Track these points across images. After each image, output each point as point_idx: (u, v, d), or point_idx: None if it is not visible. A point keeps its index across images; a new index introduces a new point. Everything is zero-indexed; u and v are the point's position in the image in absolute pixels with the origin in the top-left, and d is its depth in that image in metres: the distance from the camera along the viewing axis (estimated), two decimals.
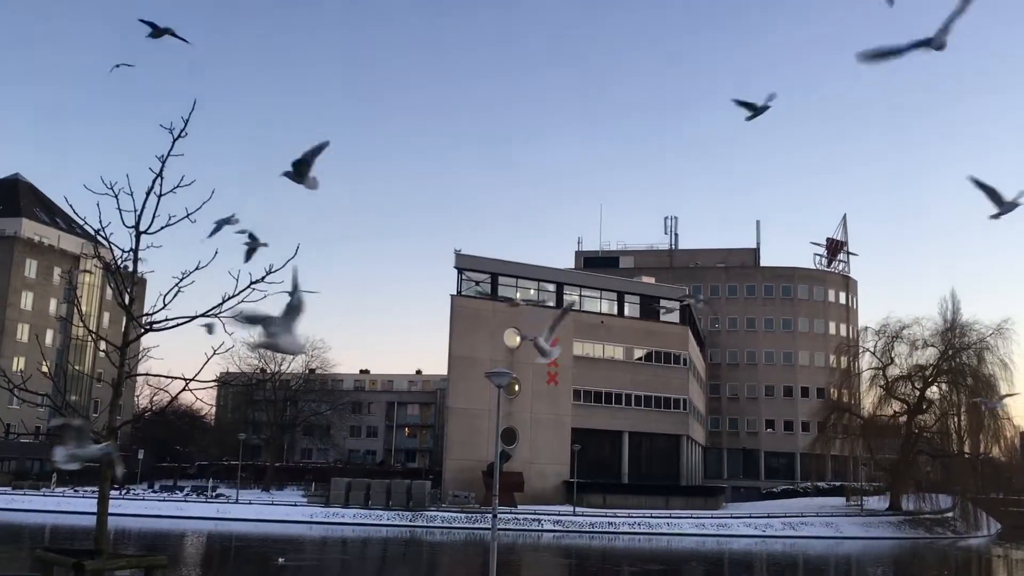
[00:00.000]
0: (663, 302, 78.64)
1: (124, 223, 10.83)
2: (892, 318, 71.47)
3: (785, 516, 64.27)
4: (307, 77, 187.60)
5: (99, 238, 10.97)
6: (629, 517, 60.84)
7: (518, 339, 71.36)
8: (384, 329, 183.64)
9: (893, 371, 70.42)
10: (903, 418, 69.89)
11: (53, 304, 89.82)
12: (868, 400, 73.21)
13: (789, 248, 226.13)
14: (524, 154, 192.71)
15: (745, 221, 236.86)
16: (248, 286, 10.60)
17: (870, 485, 73.83)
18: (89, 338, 73.33)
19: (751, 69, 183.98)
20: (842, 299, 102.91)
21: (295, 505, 65.04)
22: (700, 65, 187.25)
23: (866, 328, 76.62)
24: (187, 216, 10.91)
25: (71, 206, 10.91)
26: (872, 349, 72.48)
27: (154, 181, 10.85)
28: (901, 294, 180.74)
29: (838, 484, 78.68)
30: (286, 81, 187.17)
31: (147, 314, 10.75)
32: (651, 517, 61.32)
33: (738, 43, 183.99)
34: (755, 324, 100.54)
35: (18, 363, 77.62)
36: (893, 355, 70.46)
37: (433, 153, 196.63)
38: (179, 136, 10.93)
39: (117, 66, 11.84)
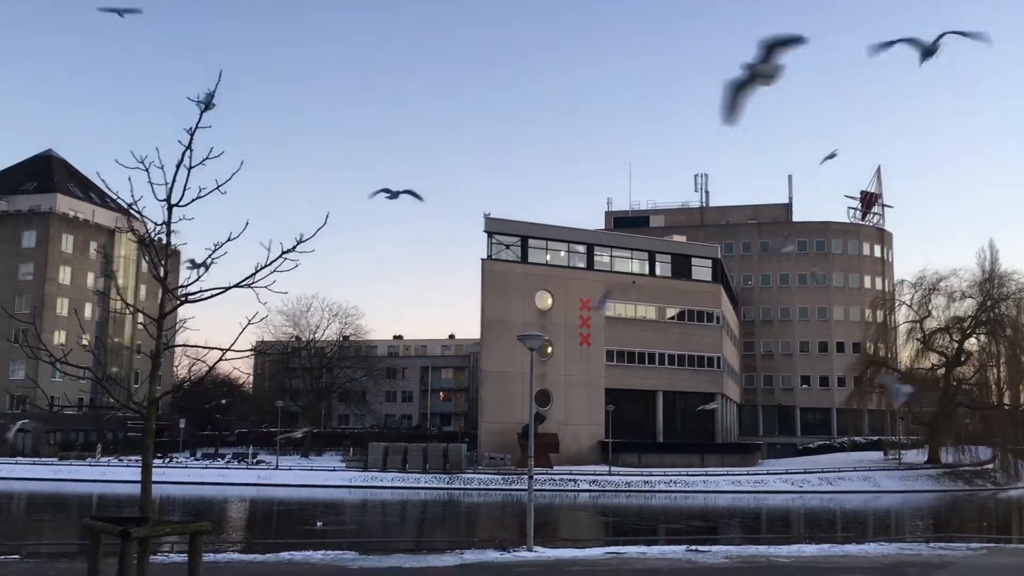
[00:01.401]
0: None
1: (156, 196, 10.86)
2: (929, 270, 70.76)
3: (822, 471, 64.15)
4: (335, 46, 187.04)
5: (132, 212, 11.02)
6: (665, 475, 61.09)
7: (550, 301, 71.37)
8: (417, 294, 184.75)
9: (930, 324, 69.70)
10: (941, 371, 69.22)
11: (90, 278, 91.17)
12: (905, 353, 72.62)
13: (822, 202, 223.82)
14: (552, 116, 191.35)
15: (777, 176, 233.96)
16: (280, 256, 10.59)
17: (908, 439, 73.42)
18: (127, 310, 74.48)
19: (775, 16, 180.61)
20: (877, 252, 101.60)
21: (334, 470, 66.01)
22: (725, 18, 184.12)
23: (902, 281, 75.81)
24: (217, 188, 10.90)
25: (103, 181, 10.95)
26: (908, 302, 71.72)
27: (183, 154, 10.84)
28: (938, 246, 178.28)
29: (875, 439, 78.30)
30: (313, 51, 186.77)
31: (182, 286, 10.82)
32: (687, 475, 61.48)
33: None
34: (788, 280, 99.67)
35: (59, 336, 79.14)
36: (930, 307, 69.71)
37: (462, 118, 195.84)
38: (207, 108, 10.89)
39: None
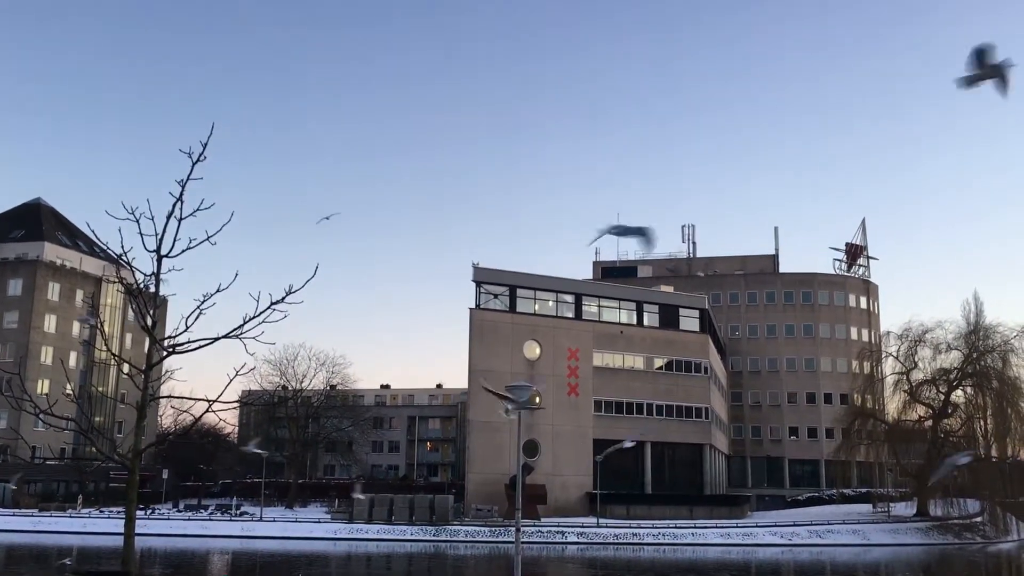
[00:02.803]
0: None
1: (146, 247, 10.96)
2: (915, 322, 71.01)
3: (811, 524, 63.69)
4: (324, 97, 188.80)
5: (122, 262, 11.08)
6: (653, 528, 60.51)
7: (538, 351, 71.37)
8: (404, 344, 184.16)
9: (917, 375, 69.78)
10: (928, 423, 69.15)
11: (76, 326, 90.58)
12: (892, 405, 72.54)
13: (808, 254, 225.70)
14: (539, 165, 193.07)
15: (763, 228, 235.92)
16: (269, 307, 10.68)
17: (897, 491, 73.04)
18: (112, 359, 73.77)
19: (763, 74, 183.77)
20: (863, 304, 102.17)
21: (319, 522, 65.11)
22: (714, 72, 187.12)
23: (888, 333, 76.07)
24: (208, 239, 11.01)
25: (93, 232, 11.06)
26: (895, 354, 71.87)
27: (174, 205, 10.99)
28: (923, 297, 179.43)
29: (864, 491, 77.88)
30: (302, 101, 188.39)
31: (170, 337, 10.84)
32: (675, 527, 60.92)
33: (751, 50, 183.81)
34: (776, 331, 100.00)
35: (42, 385, 78.36)
36: (916, 359, 69.81)
37: (449, 167, 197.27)
38: (198, 160, 11.05)
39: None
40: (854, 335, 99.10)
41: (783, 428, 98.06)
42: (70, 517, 66.38)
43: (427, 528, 60.01)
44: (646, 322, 77.97)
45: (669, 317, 78.86)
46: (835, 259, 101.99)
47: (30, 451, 76.85)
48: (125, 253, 10.73)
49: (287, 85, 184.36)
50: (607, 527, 60.26)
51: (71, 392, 78.21)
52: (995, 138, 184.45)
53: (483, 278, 72.86)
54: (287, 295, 10.71)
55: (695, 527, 61.49)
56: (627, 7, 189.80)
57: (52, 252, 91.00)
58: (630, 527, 60.32)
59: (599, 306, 76.95)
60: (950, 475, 54.28)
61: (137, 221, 10.85)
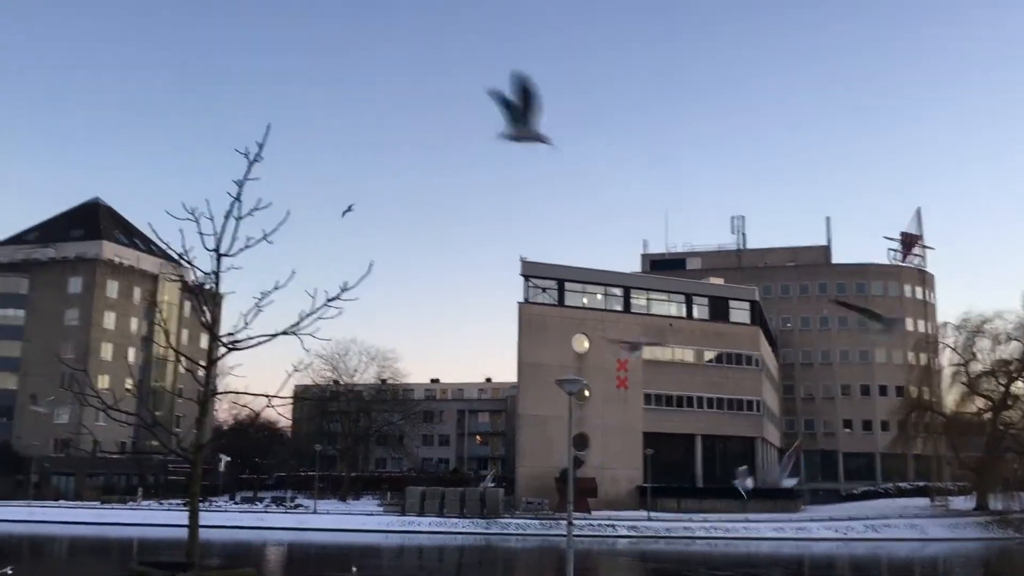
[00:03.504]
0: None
1: (205, 246, 11.23)
2: (972, 312, 69.34)
3: (867, 518, 62.73)
4: (371, 92, 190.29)
5: (183, 262, 11.39)
6: (705, 521, 60.13)
7: (586, 344, 71.30)
8: (453, 338, 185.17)
9: (975, 367, 68.32)
10: (987, 415, 67.68)
11: (134, 323, 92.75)
12: (950, 397, 71.14)
13: (861, 244, 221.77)
14: (586, 158, 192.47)
15: (814, 218, 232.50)
16: (324, 304, 10.91)
17: (955, 485, 71.66)
18: (170, 355, 75.42)
19: (815, 60, 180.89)
20: (919, 294, 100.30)
21: (371, 514, 65.90)
22: (763, 61, 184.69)
23: (945, 324, 74.53)
24: (264, 237, 11.26)
25: (155, 232, 11.37)
26: (952, 345, 70.43)
27: (232, 204, 11.24)
28: (981, 287, 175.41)
29: (921, 484, 76.56)
30: (353, 100, 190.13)
31: (230, 334, 11.12)
32: (728, 521, 60.45)
33: (802, 36, 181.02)
34: (828, 323, 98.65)
35: (103, 381, 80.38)
36: (975, 350, 68.35)
37: (498, 161, 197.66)
38: (255, 160, 11.29)
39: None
40: (910, 326, 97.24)
41: (837, 421, 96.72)
42: (130, 510, 68.08)
43: (478, 521, 60.37)
44: (696, 315, 77.40)
45: (719, 309, 78.20)
46: (890, 249, 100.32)
47: (91, 445, 78.91)
48: (187, 252, 11.02)
49: (342, 77, 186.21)
50: (658, 521, 60.05)
51: (130, 387, 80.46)
52: None
53: (531, 272, 72.97)
54: (342, 292, 10.91)
55: (747, 521, 60.95)
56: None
57: (110, 250, 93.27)
58: (681, 521, 60.04)
59: (648, 299, 76.62)
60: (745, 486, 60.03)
61: (197, 221, 11.14)
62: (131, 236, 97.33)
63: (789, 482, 77.40)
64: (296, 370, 11.57)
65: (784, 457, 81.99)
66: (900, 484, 79.27)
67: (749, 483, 63.50)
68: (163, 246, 11.74)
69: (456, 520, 60.88)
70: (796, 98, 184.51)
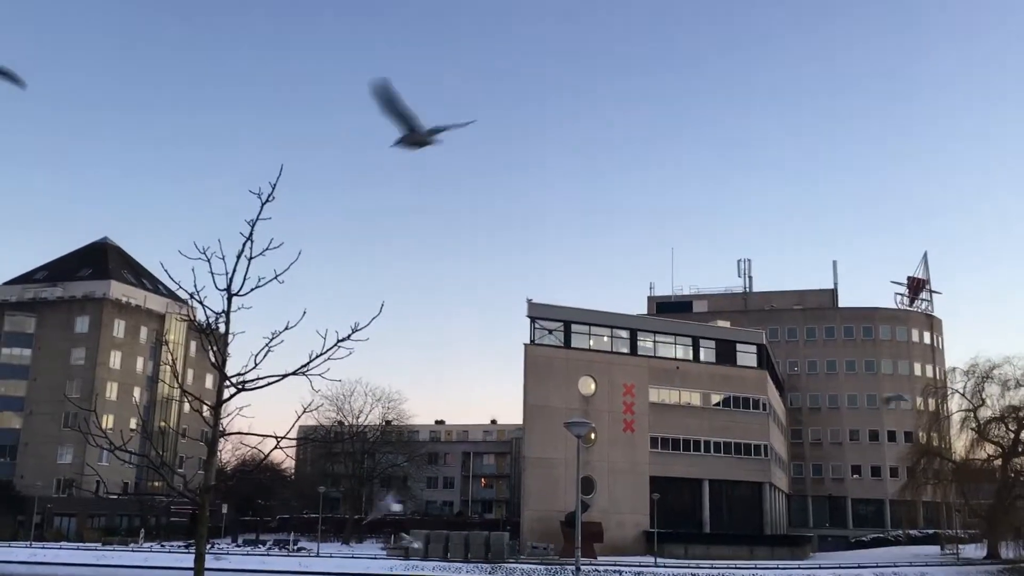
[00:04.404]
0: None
1: (216, 286, 11.22)
2: (981, 357, 68.91)
3: (876, 566, 61.75)
4: (377, 131, 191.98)
5: (192, 301, 11.38)
6: (712, 568, 59.23)
7: (593, 386, 71.01)
8: (459, 379, 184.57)
9: (985, 413, 67.76)
10: (998, 461, 66.96)
11: (140, 362, 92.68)
12: (959, 443, 70.50)
13: (868, 288, 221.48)
14: (594, 201, 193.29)
15: (821, 262, 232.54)
16: (335, 344, 10.86)
17: (966, 532, 70.69)
18: (174, 395, 75.15)
19: (823, 101, 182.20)
20: (926, 339, 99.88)
21: (375, 558, 65.09)
22: (770, 103, 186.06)
23: (954, 369, 74.09)
24: (276, 277, 11.26)
25: (167, 272, 11.35)
26: (961, 390, 69.94)
27: (244, 244, 11.25)
28: (989, 332, 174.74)
29: (931, 532, 75.60)
30: (360, 139, 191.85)
31: (239, 374, 11.07)
32: (735, 568, 59.56)
33: (808, 81, 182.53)
34: (836, 367, 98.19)
35: (107, 421, 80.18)
36: (984, 396, 67.84)
37: (504, 202, 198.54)
38: (267, 200, 11.33)
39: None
40: (918, 371, 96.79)
41: (845, 467, 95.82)
42: (132, 551, 67.38)
43: (482, 566, 59.54)
44: (702, 357, 77.05)
45: (726, 352, 77.84)
46: (897, 293, 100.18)
47: (95, 486, 78.45)
48: (198, 292, 11.01)
49: (348, 114, 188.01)
50: (665, 567, 59.17)
51: (134, 427, 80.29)
52: None
53: (537, 313, 72.89)
54: (353, 332, 10.88)
55: (756, 568, 60.07)
56: (698, 34, 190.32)
57: (118, 290, 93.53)
58: (689, 567, 59.15)
59: (654, 341, 76.34)
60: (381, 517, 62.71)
61: (208, 260, 11.14)
62: (138, 275, 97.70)
63: (396, 506, 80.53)
64: (305, 410, 11.42)
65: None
66: (910, 531, 78.22)
67: (396, 507, 66.12)
68: (173, 286, 11.72)
69: (460, 564, 60.06)
70: (803, 142, 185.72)
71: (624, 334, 75.48)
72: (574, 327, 73.40)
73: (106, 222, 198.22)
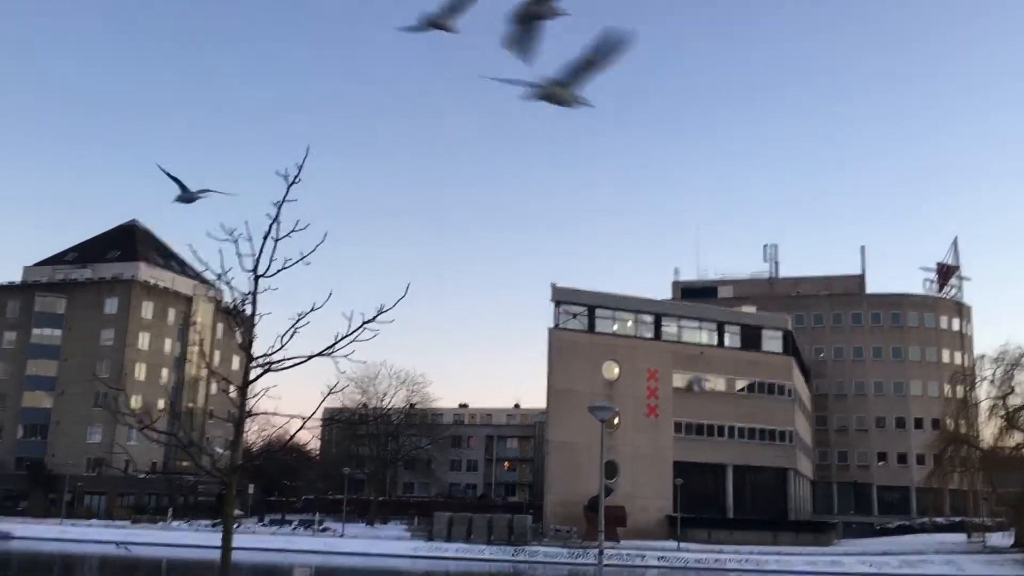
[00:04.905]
0: None
1: (243, 267, 11.29)
2: (1011, 344, 67.94)
3: (902, 553, 61.41)
4: (412, 120, 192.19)
5: (219, 282, 11.46)
6: (736, 553, 59.19)
7: (617, 371, 70.91)
8: (483, 363, 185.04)
9: (1014, 400, 66.88)
10: None
11: (168, 344, 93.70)
12: (987, 431, 69.68)
13: (896, 274, 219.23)
14: (617, 183, 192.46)
15: (849, 247, 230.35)
16: (361, 326, 10.91)
17: (992, 521, 70.04)
18: (202, 376, 75.95)
19: (852, 88, 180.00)
20: (955, 326, 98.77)
21: (399, 539, 65.68)
22: (799, 89, 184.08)
23: (983, 356, 73.12)
24: (302, 259, 11.32)
25: (195, 253, 11.45)
26: (990, 378, 69.04)
27: (270, 226, 11.31)
28: (1019, 319, 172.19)
29: (958, 520, 74.95)
30: (393, 125, 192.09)
31: (265, 355, 11.15)
32: (760, 554, 59.46)
33: (835, 65, 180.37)
34: (863, 353, 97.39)
35: (136, 401, 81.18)
36: (1013, 383, 66.92)
37: (530, 188, 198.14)
38: (293, 182, 11.37)
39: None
40: (946, 358, 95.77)
41: (871, 453, 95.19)
42: (160, 530, 68.39)
43: (505, 548, 59.90)
44: (727, 343, 76.68)
45: (751, 338, 77.41)
46: (926, 279, 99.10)
47: (124, 465, 79.57)
48: (224, 273, 11.09)
49: (380, 98, 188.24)
50: (688, 551, 59.23)
51: (162, 407, 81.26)
52: None
53: (562, 298, 72.81)
54: (379, 314, 10.91)
55: (780, 553, 59.93)
56: (729, 13, 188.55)
57: (146, 272, 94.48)
58: (712, 552, 59.17)
59: (679, 326, 76.06)
60: None
61: (235, 242, 11.21)
62: (166, 257, 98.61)
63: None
64: (331, 391, 11.52)
65: None
66: (936, 519, 77.60)
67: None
68: (201, 268, 11.81)
69: (483, 547, 60.44)
70: (831, 126, 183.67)
71: (648, 319, 75.25)
72: (598, 312, 73.28)
73: (135, 204, 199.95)
